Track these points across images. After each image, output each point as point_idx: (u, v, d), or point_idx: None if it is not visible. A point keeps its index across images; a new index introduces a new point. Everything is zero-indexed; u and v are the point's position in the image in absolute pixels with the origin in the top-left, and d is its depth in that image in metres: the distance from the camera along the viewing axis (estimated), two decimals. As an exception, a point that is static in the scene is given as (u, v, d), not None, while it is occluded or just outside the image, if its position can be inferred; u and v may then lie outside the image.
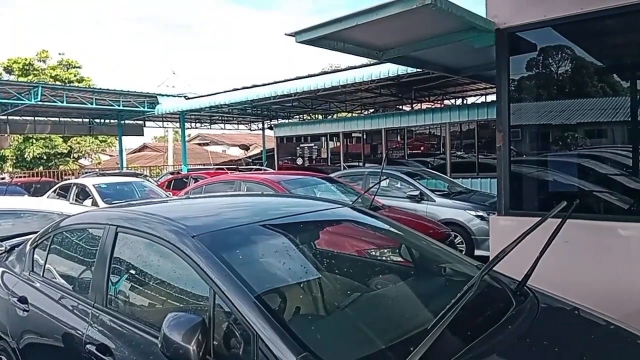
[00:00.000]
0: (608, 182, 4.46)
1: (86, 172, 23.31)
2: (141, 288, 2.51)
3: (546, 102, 4.58)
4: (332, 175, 9.55)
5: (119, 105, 19.86)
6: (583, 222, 3.93)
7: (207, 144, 44.58)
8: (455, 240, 7.85)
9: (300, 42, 4.13)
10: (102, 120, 24.90)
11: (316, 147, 18.45)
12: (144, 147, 44.25)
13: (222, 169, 17.96)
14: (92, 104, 19.17)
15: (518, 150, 4.72)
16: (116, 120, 24.32)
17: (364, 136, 17.07)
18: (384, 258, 3.39)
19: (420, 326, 1.90)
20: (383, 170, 9.24)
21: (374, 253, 3.50)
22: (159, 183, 15.08)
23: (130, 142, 42.32)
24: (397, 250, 3.19)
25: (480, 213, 7.89)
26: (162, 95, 20.08)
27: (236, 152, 42.15)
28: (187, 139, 44.66)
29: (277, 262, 2.45)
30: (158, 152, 40.47)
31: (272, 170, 17.58)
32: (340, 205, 3.22)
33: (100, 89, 20.37)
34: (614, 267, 3.78)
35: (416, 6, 3.28)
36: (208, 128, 30.17)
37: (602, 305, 3.61)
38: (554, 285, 3.22)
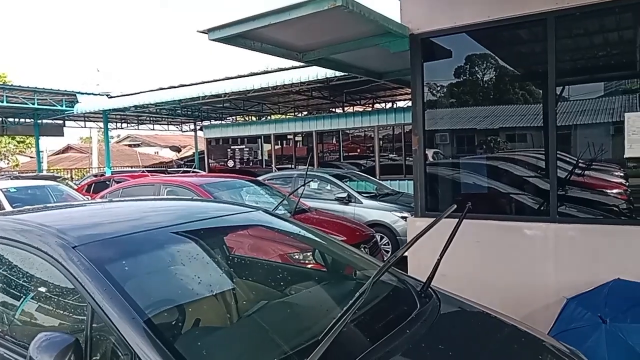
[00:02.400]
0: (517, 185, 4.67)
1: (1, 175, 21.50)
2: (16, 305, 2.26)
3: (461, 108, 4.72)
4: (260, 177, 9.41)
5: (33, 104, 18.47)
6: (493, 223, 4.10)
7: (139, 145, 42.76)
8: (381, 241, 7.98)
9: (214, 40, 3.97)
10: (17, 120, 23.06)
11: (247, 149, 18.17)
12: (68, 149, 41.74)
13: (144, 171, 17.21)
14: (2, 102, 17.72)
15: (440, 153, 4.85)
16: (32, 120, 22.63)
17: (296, 138, 17.03)
18: (295, 263, 3.31)
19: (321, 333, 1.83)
20: (311, 173, 9.23)
21: (286, 258, 3.41)
22: (79, 186, 14.19)
23: (52, 143, 39.80)
24: (310, 255, 3.13)
25: (405, 214, 8.06)
26: (82, 93, 18.87)
27: (169, 154, 40.73)
28: (116, 139, 42.82)
29: (174, 271, 2.30)
30: (83, 153, 38.28)
31: (204, 173, 17.09)
32: (252, 210, 3.10)
33: (11, 85, 18.83)
34: (521, 266, 3.95)
35: (327, 7, 3.25)
36: (136, 129, 28.85)
37: (511, 302, 3.75)
38: (467, 284, 3.30)
